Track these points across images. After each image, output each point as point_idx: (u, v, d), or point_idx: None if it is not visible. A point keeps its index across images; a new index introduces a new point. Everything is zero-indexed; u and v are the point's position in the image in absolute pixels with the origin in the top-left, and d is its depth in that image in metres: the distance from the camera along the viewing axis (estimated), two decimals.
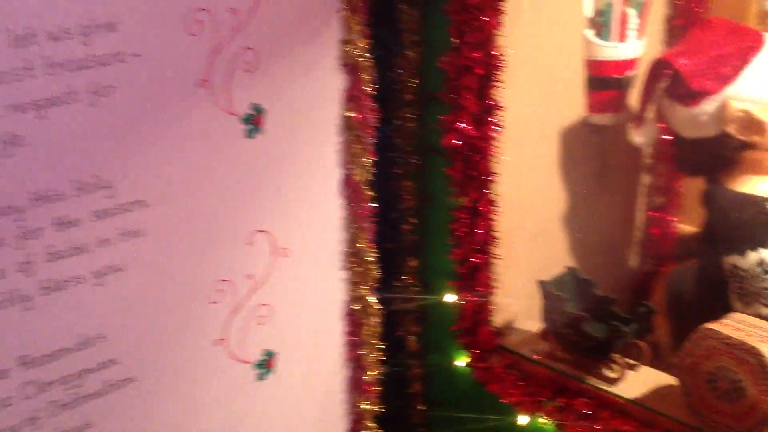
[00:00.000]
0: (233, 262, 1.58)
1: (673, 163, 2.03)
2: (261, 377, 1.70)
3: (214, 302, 1.57)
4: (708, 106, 1.73)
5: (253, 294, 1.63)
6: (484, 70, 1.63)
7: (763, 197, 1.75)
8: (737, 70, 1.70)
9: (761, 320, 1.52)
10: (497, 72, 1.63)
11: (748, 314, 1.66)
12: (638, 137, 1.90)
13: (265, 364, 1.70)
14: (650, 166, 2.14)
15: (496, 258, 1.76)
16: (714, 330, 1.46)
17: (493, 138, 1.67)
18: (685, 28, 1.98)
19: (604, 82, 1.93)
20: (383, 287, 1.82)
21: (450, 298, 1.82)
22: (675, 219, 2.17)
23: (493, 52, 1.61)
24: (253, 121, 1.53)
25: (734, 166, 1.79)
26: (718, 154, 1.79)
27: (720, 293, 1.74)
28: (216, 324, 1.59)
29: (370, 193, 1.74)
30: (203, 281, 1.55)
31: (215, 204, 1.51)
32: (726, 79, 1.71)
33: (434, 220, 1.88)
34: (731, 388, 1.46)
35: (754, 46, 1.71)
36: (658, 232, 2.19)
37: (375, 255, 1.78)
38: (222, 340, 1.60)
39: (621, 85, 1.94)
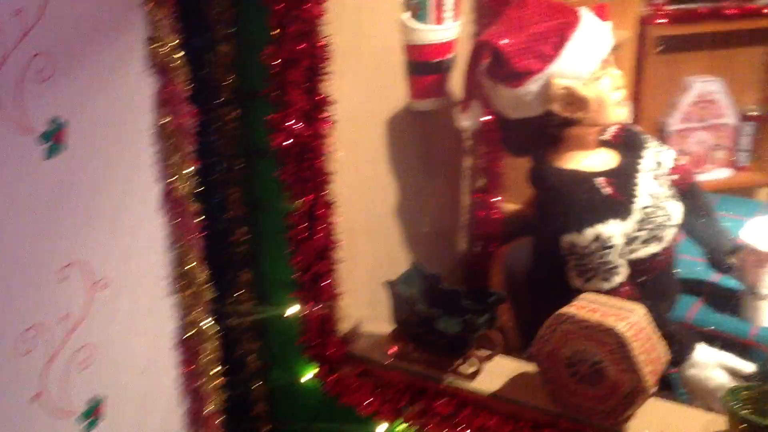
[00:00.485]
0: (44, 302, 1.36)
1: (499, 144, 2.01)
2: (88, 429, 1.48)
3: (26, 352, 1.34)
4: (532, 86, 1.71)
5: (71, 336, 1.42)
6: (311, 63, 1.50)
7: (590, 172, 1.77)
8: (557, 47, 1.69)
9: (611, 297, 1.53)
10: (324, 63, 1.51)
11: (589, 290, 1.68)
12: (465, 121, 1.85)
13: (92, 414, 1.49)
14: (472, 149, 2.12)
15: (339, 262, 1.65)
16: (569, 314, 1.45)
17: (326, 135, 1.56)
18: (499, 8, 1.96)
19: (425, 66, 1.87)
20: (218, 307, 1.65)
21: (292, 309, 1.69)
22: (499, 199, 2.16)
23: (318, 43, 1.49)
24: (53, 137, 1.31)
25: (559, 144, 1.80)
26: (543, 133, 1.78)
27: (558, 272, 1.74)
28: (31, 377, 1.37)
29: (195, 205, 1.56)
30: (10, 330, 1.31)
31: (16, 239, 1.28)
32: (547, 58, 1.70)
33: (267, 227, 1.73)
34: (592, 371, 1.45)
35: (571, 22, 1.71)
36: (484, 214, 2.18)
37: (206, 273, 1.61)
38: (40, 394, 1.38)
39: (441, 69, 1.89)
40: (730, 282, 1.95)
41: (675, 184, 1.88)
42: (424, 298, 1.64)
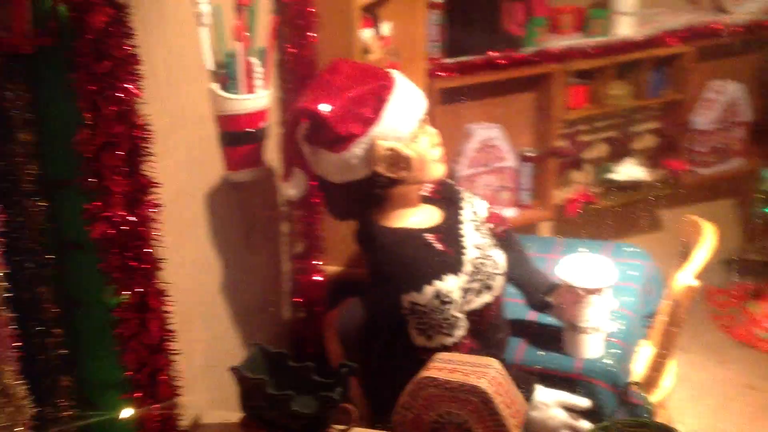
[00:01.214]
0: None
1: (316, 208, 1.98)
2: None
3: None
4: (357, 149, 1.70)
5: None
6: (130, 145, 1.38)
7: (418, 229, 1.78)
8: (377, 110, 1.70)
9: (464, 355, 1.54)
10: (145, 144, 1.40)
11: (433, 347, 1.69)
12: (291, 189, 1.81)
13: None
14: (290, 215, 2.07)
15: (175, 354, 1.52)
16: (432, 378, 1.44)
17: (152, 219, 1.44)
18: (305, 74, 1.95)
19: (240, 136, 1.81)
20: (40, 419, 1.46)
21: (125, 412, 1.53)
22: (320, 263, 2.13)
23: (137, 123, 1.38)
24: None
25: (385, 204, 1.80)
26: (369, 194, 1.78)
27: (400, 331, 1.73)
28: None
29: (5, 314, 1.37)
30: None
31: None
32: (369, 121, 1.70)
33: (87, 326, 1.56)
34: None
35: (387, 85, 1.72)
36: (306, 279, 2.13)
37: (26, 387, 1.41)
38: None
39: (257, 138, 1.84)
40: (548, 320, 2.05)
41: (493, 233, 1.94)
42: (273, 379, 1.56)
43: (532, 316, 2.09)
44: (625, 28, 3.12)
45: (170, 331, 1.51)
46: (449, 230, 1.81)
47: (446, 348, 1.70)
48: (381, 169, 1.72)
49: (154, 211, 1.44)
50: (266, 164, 1.87)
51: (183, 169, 1.58)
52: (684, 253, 2.31)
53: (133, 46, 1.34)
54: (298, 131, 1.73)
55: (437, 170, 1.80)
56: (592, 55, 2.98)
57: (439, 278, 1.69)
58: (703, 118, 3.26)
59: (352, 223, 2.12)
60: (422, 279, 1.68)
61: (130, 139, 1.38)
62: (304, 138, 1.75)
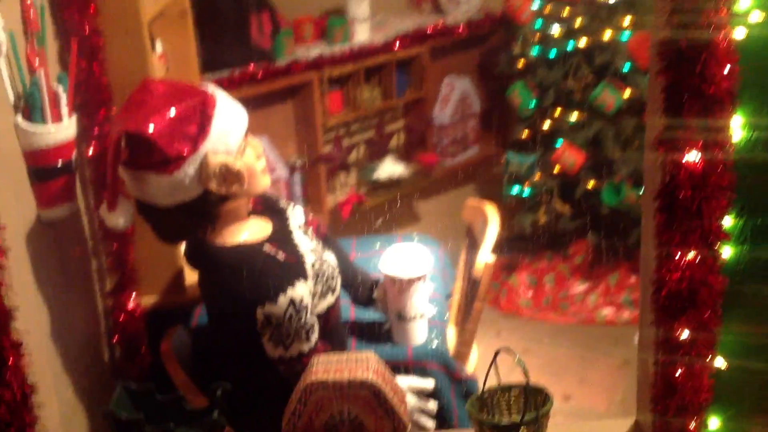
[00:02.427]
0: None
1: (128, 237, 1.90)
2: None
3: None
4: (189, 168, 1.66)
5: None
6: None
7: (256, 242, 1.78)
8: (204, 126, 1.67)
9: (340, 354, 1.57)
10: None
11: (291, 356, 1.71)
12: (118, 219, 1.71)
13: None
14: (99, 248, 1.95)
15: (38, 409, 1.39)
16: (319, 381, 1.46)
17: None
18: (101, 99, 1.85)
19: (51, 170, 1.67)
20: None
21: None
22: (134, 294, 2.03)
23: None
24: None
25: (216, 221, 1.77)
26: (200, 213, 1.74)
27: (253, 347, 1.72)
28: None
29: None
30: None
31: None
32: (197, 138, 1.67)
33: None
34: (352, 429, 1.47)
35: (208, 101, 1.70)
36: (123, 314, 2.02)
37: None
38: None
39: (68, 170, 1.71)
40: (369, 315, 2.13)
41: (315, 236, 1.99)
42: (147, 415, 1.48)
43: (353, 313, 2.17)
44: (362, 34, 3.32)
45: (31, 386, 1.37)
46: (284, 239, 1.83)
47: (304, 354, 1.72)
48: (213, 185, 1.69)
49: None
50: (77, 197, 1.75)
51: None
52: (470, 234, 2.53)
53: None
54: (119, 156, 1.65)
55: (265, 181, 1.81)
56: (341, 61, 3.13)
57: (290, 286, 1.70)
58: (442, 113, 3.55)
59: (165, 250, 2.05)
60: (275, 289, 1.69)
61: None
62: (123, 164, 1.67)
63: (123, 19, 1.92)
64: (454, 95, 3.57)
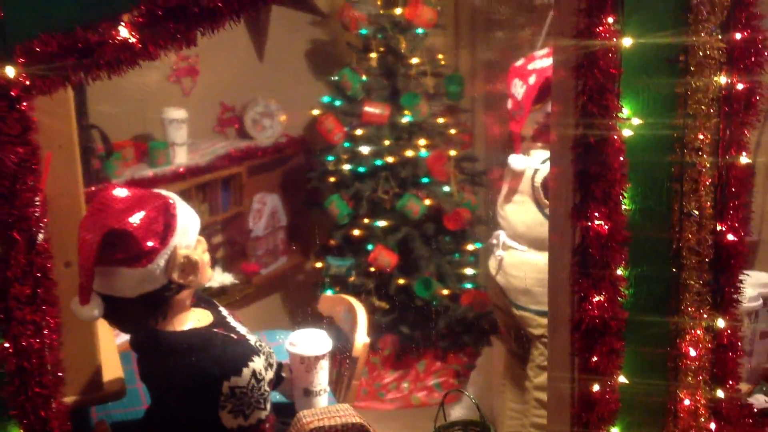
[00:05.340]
0: None
1: (111, 324, 1.98)
2: None
3: None
4: (161, 261, 1.84)
5: None
6: None
7: (207, 326, 1.98)
8: (170, 224, 1.87)
9: (315, 408, 1.81)
10: None
11: (248, 425, 1.90)
12: (92, 311, 1.82)
13: None
14: None
15: None
16: (320, 427, 1.69)
17: None
18: None
19: None
20: None
21: None
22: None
23: None
24: None
25: (167, 310, 1.95)
26: (159, 303, 1.91)
27: (210, 420, 1.89)
28: None
29: None
30: None
31: None
32: (165, 234, 1.86)
33: None
34: None
35: (168, 202, 1.91)
36: None
37: None
38: None
39: None
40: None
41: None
42: None
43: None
44: (182, 156, 3.58)
45: None
46: (225, 324, 2.04)
47: (261, 421, 1.93)
48: (176, 276, 1.88)
49: None
50: None
51: None
52: (331, 323, 2.85)
53: None
54: (98, 251, 1.79)
55: (210, 273, 2.02)
56: (173, 179, 3.36)
57: (251, 359, 1.92)
58: (257, 226, 3.87)
59: (86, 349, 2.13)
60: (239, 363, 1.89)
61: None
62: (105, 258, 1.81)
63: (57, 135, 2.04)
64: (266, 210, 3.91)
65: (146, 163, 3.50)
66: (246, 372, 1.89)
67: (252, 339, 2.03)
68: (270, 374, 2.03)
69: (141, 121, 3.59)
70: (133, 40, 1.52)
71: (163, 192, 1.96)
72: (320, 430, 1.68)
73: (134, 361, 2.03)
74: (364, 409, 3.69)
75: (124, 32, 1.49)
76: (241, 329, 2.06)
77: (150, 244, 1.82)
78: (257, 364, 1.92)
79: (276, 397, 2.31)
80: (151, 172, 3.33)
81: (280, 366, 2.31)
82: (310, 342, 2.31)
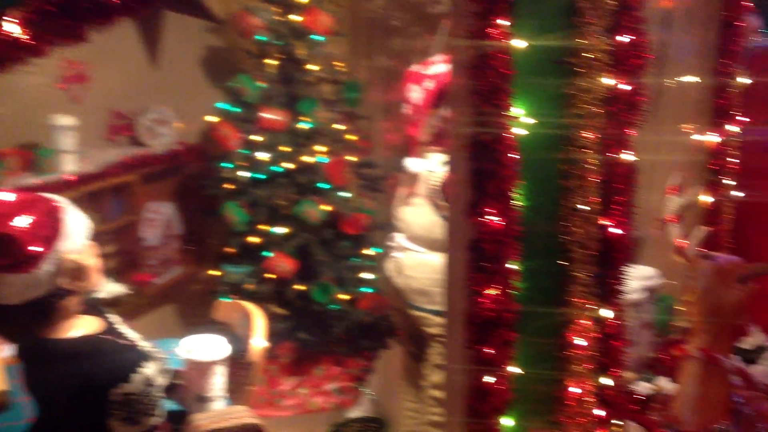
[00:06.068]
0: None
1: None
2: None
3: None
4: (47, 266, 1.78)
5: None
6: None
7: (97, 333, 1.92)
8: (56, 228, 1.81)
9: (218, 410, 1.78)
10: None
11: (134, 431, 1.85)
12: None
13: None
14: None
15: None
16: (215, 429, 1.66)
17: None
18: None
19: None
20: None
21: None
22: None
23: None
24: None
25: (53, 317, 1.88)
26: (46, 310, 1.84)
27: (100, 429, 1.84)
28: None
29: None
30: None
31: None
32: (52, 238, 1.80)
33: None
34: None
35: (56, 206, 1.84)
36: None
37: None
38: None
39: None
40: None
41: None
42: None
43: None
44: (70, 164, 3.46)
45: None
46: (115, 331, 1.98)
47: (154, 429, 1.88)
48: (64, 281, 1.82)
49: None
50: None
51: None
52: (228, 329, 2.81)
53: None
54: None
55: (100, 279, 1.96)
56: (64, 187, 3.24)
57: (140, 365, 1.87)
58: (150, 235, 3.77)
59: None
60: (128, 369, 1.84)
61: None
62: None
63: None
64: (160, 219, 3.82)
65: (33, 172, 3.36)
66: (136, 378, 1.84)
67: (144, 345, 1.99)
68: (163, 381, 1.99)
69: (27, 129, 3.45)
70: (23, 36, 1.47)
71: (51, 195, 1.89)
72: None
73: (20, 374, 1.95)
74: (261, 417, 3.64)
75: (12, 28, 1.44)
76: (132, 335, 2.01)
77: (35, 248, 1.76)
78: (148, 370, 1.88)
79: (171, 405, 2.26)
80: (39, 181, 3.20)
81: (174, 373, 2.26)
82: (204, 347, 2.28)
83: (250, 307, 2.72)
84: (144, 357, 1.90)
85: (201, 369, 2.23)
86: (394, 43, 4.05)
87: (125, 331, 2.01)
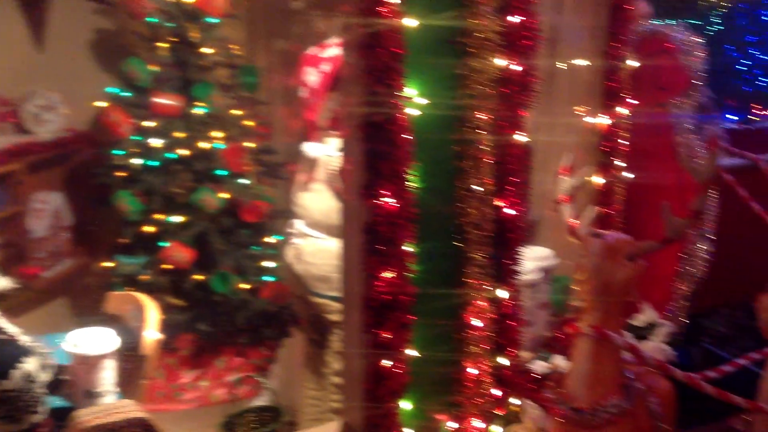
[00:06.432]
0: None
1: None
2: None
3: None
4: None
5: None
6: None
7: None
8: None
9: (102, 405, 1.70)
10: None
11: (20, 429, 1.76)
12: None
13: None
14: None
15: None
16: (98, 425, 1.59)
17: None
18: None
19: None
20: None
21: None
22: None
23: None
24: None
25: None
26: None
27: None
28: None
29: None
30: None
31: None
32: None
33: None
34: None
35: None
36: None
37: None
38: None
39: None
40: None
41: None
42: None
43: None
44: None
45: None
46: None
47: (36, 426, 1.79)
48: None
49: None
50: None
51: None
52: (120, 322, 2.71)
53: None
54: None
55: None
56: None
57: (21, 360, 1.77)
58: (37, 226, 3.60)
59: None
60: (6, 364, 1.74)
61: None
62: None
63: None
64: (47, 209, 3.66)
65: None
66: (15, 374, 1.75)
67: (24, 339, 1.88)
68: (45, 376, 1.89)
69: None
70: None
71: None
72: (100, 428, 1.58)
73: None
74: (160, 412, 3.54)
75: None
76: (12, 330, 1.90)
77: None
78: (29, 365, 1.78)
79: (59, 402, 2.16)
80: None
81: (59, 368, 2.16)
82: (91, 341, 2.18)
83: (143, 298, 2.63)
84: (24, 352, 1.80)
85: (88, 363, 2.13)
86: (294, 26, 3.98)
87: (4, 325, 1.90)
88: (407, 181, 1.77)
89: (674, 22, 3.25)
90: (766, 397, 1.72)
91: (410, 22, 1.72)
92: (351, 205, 1.84)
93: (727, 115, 5.17)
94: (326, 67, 2.77)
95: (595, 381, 1.64)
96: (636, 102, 2.57)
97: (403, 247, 1.79)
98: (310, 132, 2.91)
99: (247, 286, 3.54)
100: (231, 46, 3.67)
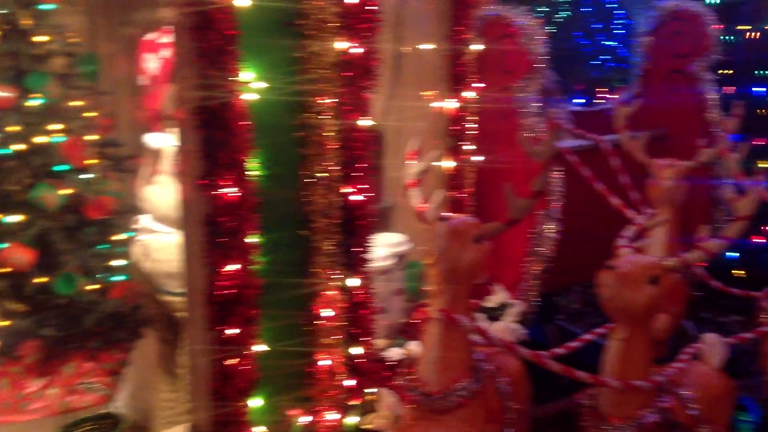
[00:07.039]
0: None
1: None
2: None
3: None
4: None
5: None
6: None
7: None
8: None
9: None
10: None
11: None
12: None
13: None
14: None
15: None
16: None
17: None
18: None
19: None
20: None
21: None
22: None
23: None
24: None
25: None
26: None
27: None
28: None
29: None
30: None
31: None
32: None
33: None
34: None
35: None
36: None
37: None
38: None
39: None
40: None
41: None
42: None
43: None
44: None
45: None
46: None
47: None
48: None
49: None
50: None
51: None
52: None
53: None
54: None
55: None
56: None
57: None
58: None
59: None
60: None
61: None
62: None
63: None
64: None
65: None
66: None
67: None
68: None
69: None
70: None
71: None
72: None
73: None
74: (4, 424, 3.32)
75: None
76: None
77: None
78: None
79: None
80: None
81: None
82: None
83: None
84: None
85: None
86: (137, 11, 3.80)
87: None
88: (248, 169, 1.70)
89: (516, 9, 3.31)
90: (609, 370, 1.77)
91: (243, 2, 1.64)
92: (189, 197, 1.75)
93: (574, 99, 5.36)
94: (166, 53, 2.65)
95: (445, 365, 1.63)
96: (482, 86, 2.59)
97: (246, 239, 1.72)
98: (154, 122, 2.78)
99: (95, 287, 3.35)
100: (68, 34, 3.46)
